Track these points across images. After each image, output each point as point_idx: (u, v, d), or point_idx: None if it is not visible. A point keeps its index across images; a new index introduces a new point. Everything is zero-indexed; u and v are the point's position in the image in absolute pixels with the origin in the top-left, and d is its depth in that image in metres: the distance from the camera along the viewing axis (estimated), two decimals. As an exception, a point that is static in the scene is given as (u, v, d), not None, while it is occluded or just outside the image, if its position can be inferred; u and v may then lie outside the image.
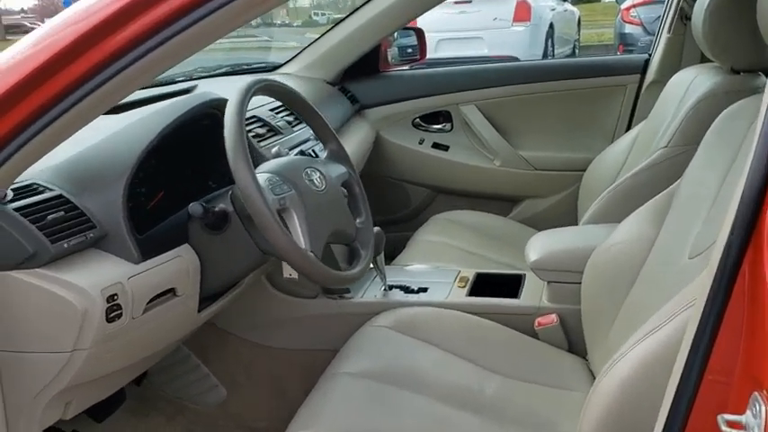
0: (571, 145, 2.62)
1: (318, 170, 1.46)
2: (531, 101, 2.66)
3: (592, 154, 2.43)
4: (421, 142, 2.73)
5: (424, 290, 1.87)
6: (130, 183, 1.30)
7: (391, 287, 1.88)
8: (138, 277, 1.27)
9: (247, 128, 1.79)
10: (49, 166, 1.29)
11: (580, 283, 1.61)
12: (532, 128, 2.68)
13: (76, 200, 1.26)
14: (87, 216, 1.25)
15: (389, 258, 2.55)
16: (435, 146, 2.73)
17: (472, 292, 1.84)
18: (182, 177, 1.54)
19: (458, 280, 1.91)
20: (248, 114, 1.87)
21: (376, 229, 1.79)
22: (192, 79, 2.41)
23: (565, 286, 1.72)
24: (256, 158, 1.64)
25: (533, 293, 1.80)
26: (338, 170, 1.56)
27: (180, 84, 2.25)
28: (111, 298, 1.21)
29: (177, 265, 1.37)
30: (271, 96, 1.51)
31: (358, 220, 1.57)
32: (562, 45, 9.47)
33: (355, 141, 2.50)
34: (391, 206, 2.80)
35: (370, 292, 1.88)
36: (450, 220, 2.46)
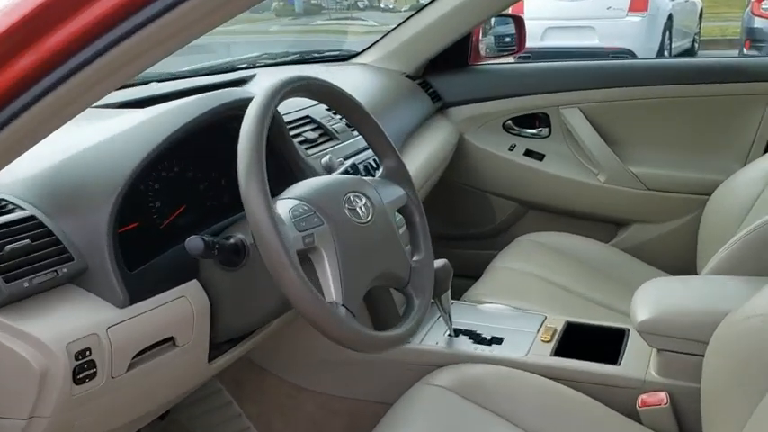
0: (693, 163, 2.18)
1: (365, 195, 1.14)
2: (646, 107, 2.24)
3: (719, 176, 1.99)
4: (512, 149, 2.36)
5: (498, 341, 1.52)
6: (122, 203, 1.03)
7: (458, 332, 1.55)
8: (121, 326, 1.00)
9: (295, 131, 1.49)
10: (22, 179, 1.03)
11: (701, 355, 1.22)
12: (647, 139, 2.25)
13: (52, 223, 1.00)
14: (63, 245, 0.99)
15: (460, 283, 2.24)
16: (528, 153, 2.35)
17: (559, 350, 1.48)
18: (198, 196, 1.26)
19: (542, 330, 1.55)
20: (299, 114, 1.56)
21: (441, 261, 1.46)
22: (254, 67, 2.14)
23: (681, 357, 1.33)
24: (301, 171, 1.35)
25: (638, 360, 1.42)
26: (394, 193, 1.23)
27: (237, 72, 1.98)
28: (81, 354, 0.94)
29: (179, 307, 1.08)
30: (310, 98, 1.19)
31: (415, 258, 1.24)
32: (680, 38, 8.74)
33: (435, 144, 2.17)
34: (471, 220, 2.45)
35: (432, 337, 1.55)
36: (539, 242, 2.09)
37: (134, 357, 1.02)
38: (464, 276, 2.44)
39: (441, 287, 1.49)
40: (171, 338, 1.08)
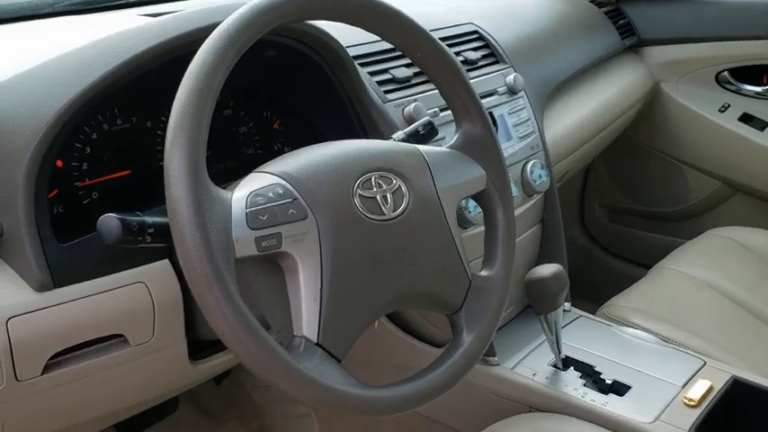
0: None
1: (400, 176, 0.76)
2: None
3: None
4: (724, 109, 1.77)
5: (622, 389, 1.07)
6: (46, 152, 0.75)
7: (569, 363, 1.13)
8: (31, 317, 0.74)
9: (375, 68, 1.12)
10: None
11: None
12: None
13: None
14: None
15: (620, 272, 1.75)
16: (746, 119, 1.75)
17: (708, 423, 1.00)
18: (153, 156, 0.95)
19: (692, 385, 1.07)
20: (380, 47, 1.17)
21: (553, 268, 1.05)
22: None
23: None
24: (372, 122, 1.00)
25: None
26: (464, 173, 0.84)
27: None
28: None
29: (131, 296, 0.80)
30: (336, 20, 0.80)
31: (483, 273, 0.84)
32: None
33: (618, 89, 1.69)
34: (656, 195, 1.92)
35: (532, 362, 1.14)
36: (735, 241, 1.54)
37: (54, 357, 0.77)
38: (627, 261, 1.94)
39: (550, 303, 1.08)
40: (119, 335, 0.81)
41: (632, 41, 1.80)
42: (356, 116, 1.03)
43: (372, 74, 1.09)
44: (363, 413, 0.70)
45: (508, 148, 1.21)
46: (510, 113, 1.25)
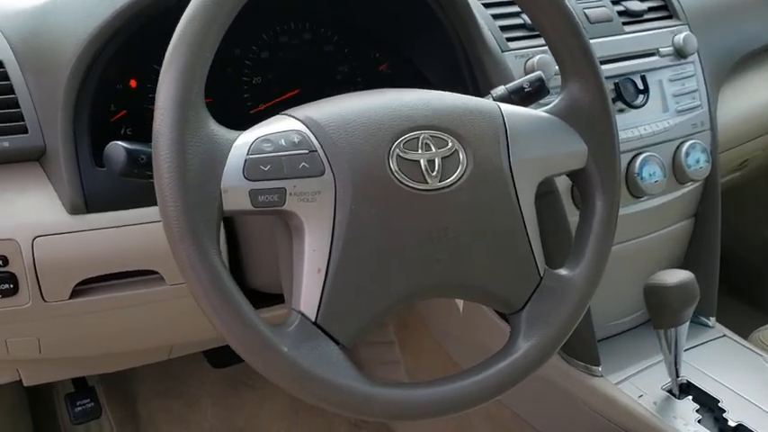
0: None
1: (457, 139, 0.62)
2: None
3: None
4: None
5: (744, 435, 0.87)
6: (95, 62, 0.71)
7: (685, 390, 0.93)
8: (60, 239, 0.72)
9: (502, 10, 0.96)
10: (13, 11, 0.77)
11: None
12: None
13: (20, 77, 0.73)
14: (20, 109, 0.72)
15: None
16: None
17: None
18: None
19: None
20: None
21: (683, 276, 0.86)
22: None
23: None
24: (484, 71, 0.87)
25: None
26: (559, 146, 0.68)
27: None
28: None
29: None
30: None
31: (563, 271, 0.68)
32: None
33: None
34: None
35: (641, 380, 0.95)
36: None
37: (85, 284, 0.74)
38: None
39: (670, 317, 0.89)
40: (154, 272, 0.77)
41: None
42: (466, 61, 0.89)
43: (497, 17, 0.94)
44: (358, 413, 0.59)
45: (660, 122, 1.00)
46: (672, 80, 1.03)
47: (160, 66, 0.54)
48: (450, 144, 0.62)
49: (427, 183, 0.61)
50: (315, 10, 0.91)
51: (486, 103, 0.67)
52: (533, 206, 0.67)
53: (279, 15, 0.91)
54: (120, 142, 0.62)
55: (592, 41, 0.95)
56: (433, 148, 0.61)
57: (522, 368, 0.65)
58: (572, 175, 0.71)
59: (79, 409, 0.99)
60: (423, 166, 0.61)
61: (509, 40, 0.92)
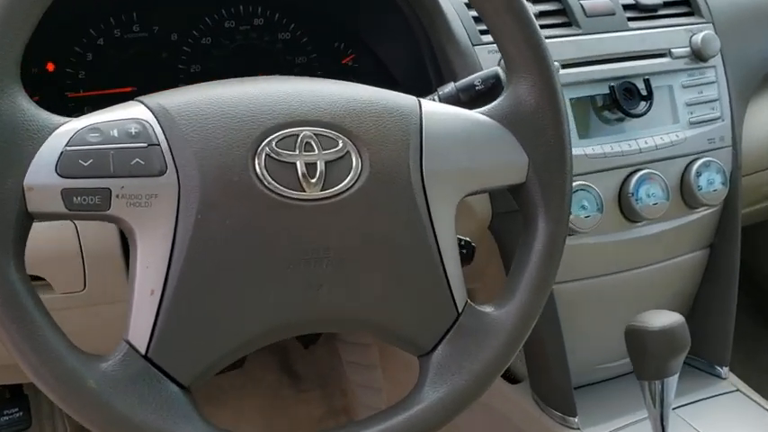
0: None
1: (355, 142, 0.51)
2: None
3: None
4: None
5: None
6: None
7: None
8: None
9: None
10: None
11: None
12: None
13: None
14: None
15: None
16: None
17: None
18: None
19: None
20: None
21: (669, 318, 0.72)
22: None
23: None
24: (448, 63, 0.78)
25: None
26: (491, 155, 0.56)
27: None
28: None
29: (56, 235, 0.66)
30: None
31: (490, 307, 0.56)
32: None
33: None
34: None
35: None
36: None
37: None
38: None
39: (652, 367, 0.74)
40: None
41: None
42: (431, 56, 0.77)
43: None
44: None
45: (667, 135, 0.85)
46: (685, 87, 0.88)
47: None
48: (340, 145, 0.51)
49: (304, 191, 0.49)
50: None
51: (402, 98, 0.55)
52: (452, 226, 0.54)
53: (225, -4, 0.82)
54: None
55: (586, 37, 0.83)
56: (315, 148, 0.50)
57: (419, 425, 0.53)
58: (512, 191, 0.58)
59: (5, 418, 0.91)
60: (299, 171, 0.49)
61: (482, 32, 0.79)
